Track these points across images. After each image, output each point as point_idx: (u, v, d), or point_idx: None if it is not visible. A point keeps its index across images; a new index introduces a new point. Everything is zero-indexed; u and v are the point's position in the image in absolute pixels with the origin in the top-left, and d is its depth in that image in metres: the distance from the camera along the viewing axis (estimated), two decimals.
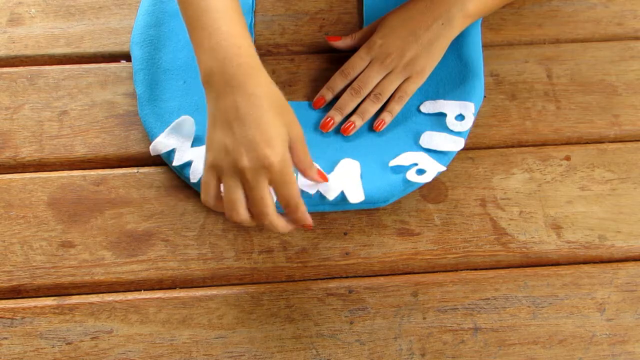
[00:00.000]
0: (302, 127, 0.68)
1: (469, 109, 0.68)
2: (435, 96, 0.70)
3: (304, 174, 0.60)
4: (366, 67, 0.69)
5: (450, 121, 0.68)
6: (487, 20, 0.75)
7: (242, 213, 0.56)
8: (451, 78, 0.70)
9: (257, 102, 0.54)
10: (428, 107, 0.69)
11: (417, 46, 0.67)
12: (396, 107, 0.68)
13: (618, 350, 0.62)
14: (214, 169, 0.55)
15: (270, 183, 0.55)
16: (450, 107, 0.69)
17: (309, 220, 0.58)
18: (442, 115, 0.69)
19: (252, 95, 0.54)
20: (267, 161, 0.53)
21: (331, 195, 0.64)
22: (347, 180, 0.65)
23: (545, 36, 0.75)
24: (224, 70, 0.55)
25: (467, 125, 0.68)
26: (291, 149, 0.56)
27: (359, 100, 0.68)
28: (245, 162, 0.54)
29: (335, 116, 0.68)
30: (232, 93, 0.54)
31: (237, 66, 0.55)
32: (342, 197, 0.65)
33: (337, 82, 0.69)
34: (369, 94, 0.68)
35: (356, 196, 0.64)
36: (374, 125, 0.68)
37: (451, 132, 0.68)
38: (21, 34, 0.73)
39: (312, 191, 0.65)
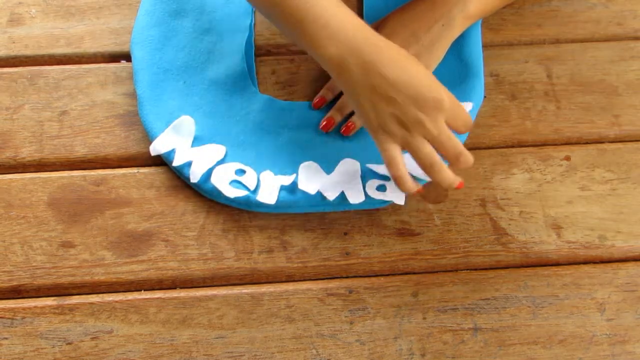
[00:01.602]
0: (302, 128, 0.69)
1: (467, 108, 0.68)
2: None
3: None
4: None
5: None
6: (487, 20, 0.75)
7: (442, 163, 0.58)
8: (451, 78, 0.70)
9: (400, 63, 0.57)
10: None
11: (417, 47, 0.67)
12: None
13: (618, 351, 0.62)
14: (392, 141, 0.58)
15: (447, 121, 0.57)
16: None
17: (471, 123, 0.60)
18: None
19: (392, 60, 0.56)
20: (436, 103, 0.56)
21: (331, 196, 0.64)
22: (347, 181, 0.65)
23: (545, 36, 0.75)
24: (356, 52, 0.56)
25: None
26: None
27: None
28: (420, 115, 0.56)
29: (336, 116, 0.68)
30: (374, 68, 0.56)
31: (367, 43, 0.56)
32: (342, 197, 0.65)
33: None
34: None
35: (356, 196, 0.64)
36: None
37: None
38: (21, 34, 0.73)
39: (312, 191, 0.65)
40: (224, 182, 0.65)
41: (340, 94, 0.70)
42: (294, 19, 0.57)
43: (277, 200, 0.65)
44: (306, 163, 0.67)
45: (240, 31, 0.72)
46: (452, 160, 0.58)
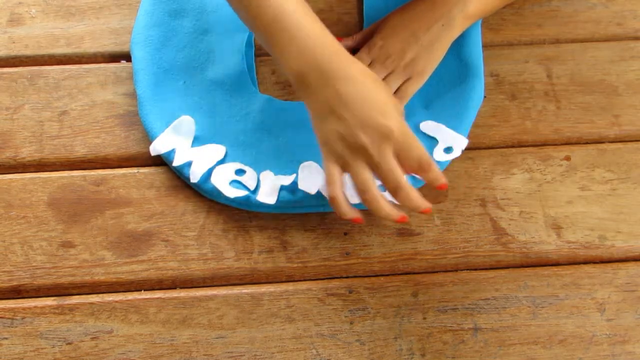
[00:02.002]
0: (302, 128, 0.69)
1: (461, 144, 0.67)
2: (435, 97, 0.70)
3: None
4: None
5: (438, 150, 0.67)
6: (487, 20, 0.75)
7: (376, 191, 0.55)
8: (451, 78, 0.70)
9: (358, 82, 0.56)
10: (427, 127, 0.69)
11: (417, 47, 0.67)
12: None
13: (618, 351, 0.62)
14: (333, 160, 0.56)
15: (396, 152, 0.55)
16: (445, 136, 0.68)
17: (444, 178, 0.57)
18: (434, 141, 0.68)
19: (351, 78, 0.56)
20: (386, 129, 0.54)
21: None
22: (347, 181, 0.65)
23: (545, 36, 0.75)
24: (317, 67, 0.56)
25: (451, 157, 0.67)
26: None
27: None
28: (364, 139, 0.54)
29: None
30: (331, 84, 0.55)
31: (329, 59, 0.56)
32: None
33: None
34: None
35: (356, 196, 0.64)
36: None
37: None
38: (21, 34, 0.73)
39: (312, 191, 0.65)
40: (224, 182, 0.65)
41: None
42: (267, 30, 0.58)
43: (277, 200, 0.65)
44: (306, 163, 0.67)
45: (240, 31, 0.72)
46: (391, 194, 0.56)
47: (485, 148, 0.70)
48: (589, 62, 0.73)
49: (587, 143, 0.70)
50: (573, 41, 0.75)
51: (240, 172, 0.66)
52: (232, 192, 0.65)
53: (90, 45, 0.73)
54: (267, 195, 0.65)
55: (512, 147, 0.70)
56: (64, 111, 0.70)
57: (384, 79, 0.68)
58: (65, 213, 0.66)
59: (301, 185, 0.65)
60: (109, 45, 0.73)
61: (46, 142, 0.69)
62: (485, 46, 0.74)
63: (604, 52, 0.74)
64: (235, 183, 0.66)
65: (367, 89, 0.56)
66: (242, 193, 0.65)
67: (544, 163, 0.69)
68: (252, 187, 0.66)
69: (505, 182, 0.68)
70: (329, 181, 0.57)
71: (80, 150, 0.69)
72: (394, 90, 0.68)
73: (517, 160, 0.69)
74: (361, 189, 0.56)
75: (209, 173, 0.66)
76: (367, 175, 0.56)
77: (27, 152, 0.68)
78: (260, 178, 0.66)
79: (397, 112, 0.56)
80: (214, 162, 0.66)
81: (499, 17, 0.75)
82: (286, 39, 0.57)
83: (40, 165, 0.68)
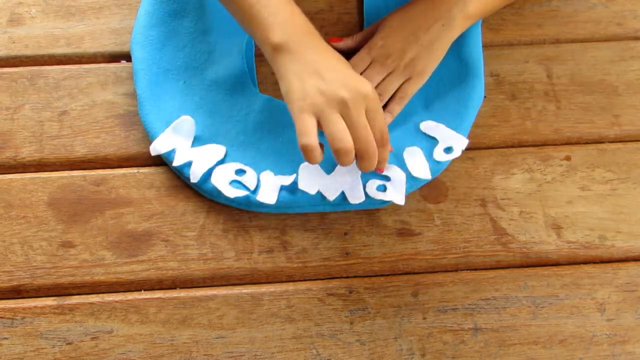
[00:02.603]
0: None
1: (461, 144, 0.67)
2: (435, 97, 0.70)
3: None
4: (367, 68, 0.69)
5: (438, 150, 0.67)
6: (487, 20, 0.75)
7: (349, 141, 0.57)
8: (451, 78, 0.70)
9: (335, 57, 0.60)
10: (427, 127, 0.69)
11: (417, 47, 0.67)
12: (396, 108, 0.68)
13: (618, 351, 0.62)
14: (310, 112, 0.58)
15: (366, 112, 0.58)
16: (445, 136, 0.68)
17: (386, 163, 0.63)
18: (434, 140, 0.68)
19: (329, 52, 0.61)
20: (365, 90, 0.58)
21: (331, 196, 0.65)
22: (347, 181, 0.65)
23: (545, 36, 0.75)
24: (299, 38, 0.60)
25: (451, 157, 0.67)
26: None
27: None
28: (344, 93, 0.57)
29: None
30: (313, 51, 0.60)
31: (310, 35, 0.60)
32: (343, 198, 0.65)
33: None
34: None
35: (356, 196, 0.64)
36: None
37: (433, 161, 0.67)
38: (21, 34, 0.73)
39: (312, 191, 0.65)
40: (224, 182, 0.65)
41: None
42: (246, 4, 0.60)
43: (277, 200, 0.65)
44: (306, 163, 0.67)
45: (241, 31, 0.72)
46: (358, 154, 0.58)
47: (485, 148, 0.70)
48: (589, 62, 0.73)
49: (587, 143, 0.70)
50: (573, 41, 0.75)
51: (240, 172, 0.66)
52: (232, 192, 0.65)
53: (90, 45, 0.73)
54: (267, 195, 0.65)
55: (512, 147, 0.70)
56: (64, 111, 0.70)
57: (384, 79, 0.68)
58: (65, 213, 0.66)
59: (301, 185, 0.65)
60: (109, 45, 0.73)
61: (46, 142, 0.69)
62: (485, 46, 0.73)
63: (604, 52, 0.74)
64: (235, 183, 0.66)
65: (343, 63, 0.60)
66: (242, 193, 0.65)
67: (544, 163, 0.69)
68: (252, 187, 0.66)
69: (506, 182, 0.68)
70: (304, 131, 0.58)
71: (80, 150, 0.69)
72: (394, 90, 0.68)
73: (517, 160, 0.69)
74: (337, 138, 0.57)
75: (209, 173, 0.66)
76: (343, 126, 0.58)
77: (27, 152, 0.68)
78: (260, 178, 0.66)
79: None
80: (214, 162, 0.66)
81: (499, 17, 0.75)
82: (266, 13, 0.60)
83: (40, 165, 0.68)
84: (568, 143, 0.70)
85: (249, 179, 0.66)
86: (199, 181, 0.66)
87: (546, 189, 0.68)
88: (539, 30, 0.75)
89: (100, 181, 0.68)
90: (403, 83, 0.68)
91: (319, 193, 0.65)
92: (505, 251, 0.66)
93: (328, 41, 0.72)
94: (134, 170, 0.68)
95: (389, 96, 0.68)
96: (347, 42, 0.71)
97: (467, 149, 0.69)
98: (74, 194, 0.67)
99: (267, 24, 0.59)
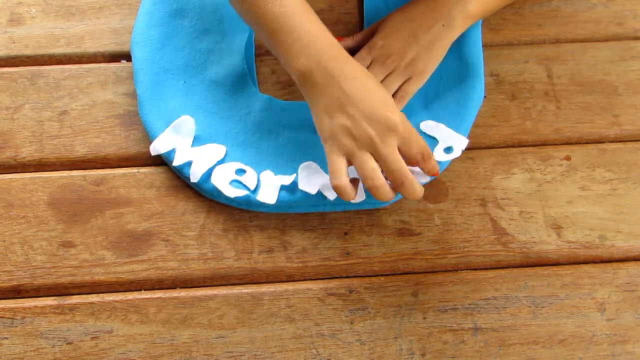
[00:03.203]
0: (302, 128, 0.69)
1: (461, 144, 0.67)
2: (435, 96, 0.70)
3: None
4: (367, 68, 0.69)
5: (438, 150, 0.67)
6: (487, 20, 0.75)
7: (380, 178, 0.58)
8: (451, 78, 0.70)
9: (361, 82, 0.59)
10: (428, 127, 0.69)
11: (417, 47, 0.67)
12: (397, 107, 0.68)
13: (618, 350, 0.62)
14: (340, 152, 0.59)
15: (399, 144, 0.58)
16: (445, 136, 0.68)
17: (438, 167, 0.62)
18: (434, 140, 0.68)
19: (355, 78, 0.59)
20: (391, 122, 0.57)
21: (331, 195, 0.64)
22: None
23: (545, 36, 0.75)
24: (322, 66, 0.59)
25: (451, 157, 0.67)
26: None
27: None
28: (370, 131, 0.57)
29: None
30: (336, 82, 0.59)
31: (334, 59, 0.59)
32: None
33: None
34: None
35: (357, 195, 0.64)
36: None
37: None
38: (21, 34, 0.73)
39: (312, 191, 0.65)
40: (224, 182, 0.65)
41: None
42: (270, 29, 0.60)
43: (277, 200, 0.65)
44: (306, 163, 0.67)
45: (241, 31, 0.72)
46: (396, 186, 0.59)
47: (485, 148, 0.70)
48: (589, 62, 0.73)
49: (587, 143, 0.70)
50: (573, 41, 0.75)
51: (240, 171, 0.66)
52: (232, 192, 0.65)
53: (90, 45, 0.73)
54: (267, 195, 0.65)
55: (512, 147, 0.70)
56: (64, 111, 0.70)
57: (384, 79, 0.68)
58: (66, 213, 0.66)
59: (301, 186, 0.65)
60: (109, 45, 0.73)
61: (46, 142, 0.69)
62: (485, 46, 0.73)
63: (604, 52, 0.74)
64: (235, 183, 0.66)
65: (369, 86, 0.59)
66: (242, 193, 0.65)
67: (544, 163, 0.69)
68: (252, 187, 0.66)
69: (506, 182, 0.68)
70: (335, 171, 0.59)
71: (80, 150, 0.69)
72: (394, 90, 0.68)
73: (517, 160, 0.69)
74: (369, 177, 0.58)
75: (209, 173, 0.66)
76: (374, 165, 0.58)
77: (27, 152, 0.68)
78: (261, 178, 0.66)
79: (395, 107, 0.59)
80: (214, 162, 0.66)
81: (499, 17, 0.75)
82: (291, 39, 0.59)
83: (41, 165, 0.68)
84: (568, 143, 0.70)
85: (249, 178, 0.66)
86: (199, 181, 0.66)
87: (546, 188, 0.68)
88: (539, 30, 0.75)
89: (100, 181, 0.68)
90: (403, 83, 0.68)
91: (319, 193, 0.65)
92: (505, 251, 0.66)
93: None
94: (134, 170, 0.68)
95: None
96: (347, 42, 0.71)
97: (467, 148, 0.69)
98: (74, 193, 0.67)
99: (292, 51, 0.60)
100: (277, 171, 0.67)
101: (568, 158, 0.69)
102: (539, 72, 0.73)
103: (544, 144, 0.70)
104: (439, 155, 0.67)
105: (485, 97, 0.72)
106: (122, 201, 0.67)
